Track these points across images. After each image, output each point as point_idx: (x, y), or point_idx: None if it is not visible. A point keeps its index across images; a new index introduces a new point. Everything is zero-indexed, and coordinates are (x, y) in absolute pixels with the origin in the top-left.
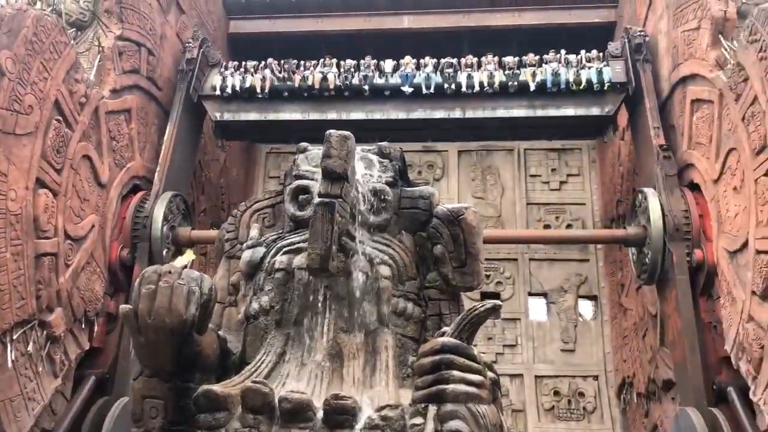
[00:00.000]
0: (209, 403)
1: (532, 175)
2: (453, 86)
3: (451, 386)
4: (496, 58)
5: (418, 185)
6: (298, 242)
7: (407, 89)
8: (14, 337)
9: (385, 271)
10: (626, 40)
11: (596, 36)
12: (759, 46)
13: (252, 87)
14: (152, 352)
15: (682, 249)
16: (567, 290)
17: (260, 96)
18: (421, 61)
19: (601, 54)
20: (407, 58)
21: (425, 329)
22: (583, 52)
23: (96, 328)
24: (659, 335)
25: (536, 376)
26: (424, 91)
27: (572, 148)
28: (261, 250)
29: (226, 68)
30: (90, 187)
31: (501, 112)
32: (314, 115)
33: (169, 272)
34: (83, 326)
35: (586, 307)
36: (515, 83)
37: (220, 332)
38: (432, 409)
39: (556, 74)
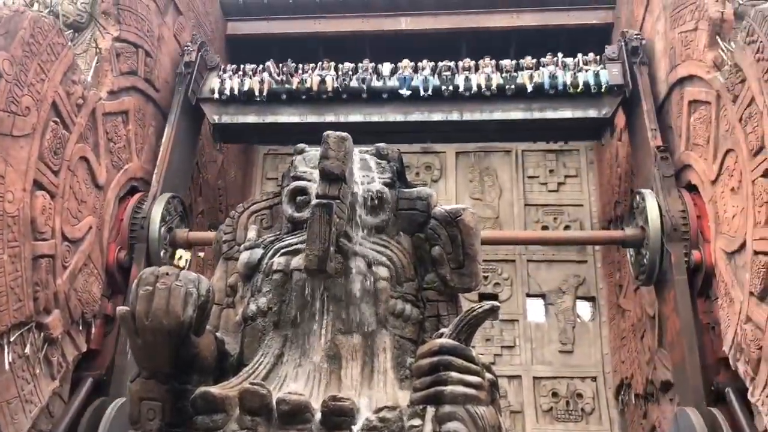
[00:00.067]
0: (207, 404)
1: (529, 177)
2: (450, 89)
3: (449, 388)
4: (494, 61)
5: (415, 186)
6: (296, 243)
7: (405, 92)
8: (11, 339)
9: (382, 272)
10: (623, 43)
11: (594, 37)
12: (756, 47)
13: (250, 90)
14: (149, 353)
15: (680, 249)
16: (565, 291)
17: (258, 99)
18: (419, 64)
19: (598, 57)
20: (405, 62)
21: (423, 330)
22: (580, 55)
23: (93, 330)
24: (657, 336)
25: (534, 378)
26: (422, 93)
27: (570, 150)
28: (259, 252)
29: (225, 71)
30: (87, 188)
31: (498, 115)
32: (312, 118)
33: (167, 274)
34: (81, 328)
35: (584, 309)
36: (512, 86)
37: (218, 334)
38: (430, 411)
39: (553, 77)
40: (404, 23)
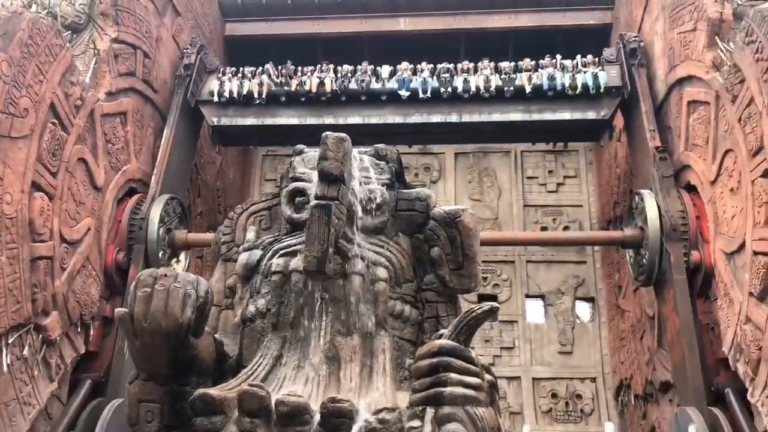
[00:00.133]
0: (206, 406)
1: (528, 177)
2: (449, 90)
3: (448, 389)
4: (492, 63)
5: (414, 187)
6: (295, 245)
7: (404, 93)
8: (10, 341)
9: (381, 273)
10: (621, 45)
11: (592, 38)
12: (755, 48)
13: (249, 92)
14: (148, 355)
15: (679, 249)
16: (564, 292)
17: (257, 101)
18: (418, 66)
19: (596, 59)
20: (404, 64)
21: (422, 332)
22: (579, 57)
23: (92, 332)
24: (657, 337)
25: (534, 379)
26: (421, 95)
27: (569, 151)
28: (257, 253)
29: (224, 74)
30: (86, 190)
31: (497, 117)
32: (311, 120)
33: (165, 275)
34: (79, 330)
35: (583, 309)
36: (511, 88)
37: (217, 335)
38: (429, 412)
39: (552, 78)
40: (403, 24)
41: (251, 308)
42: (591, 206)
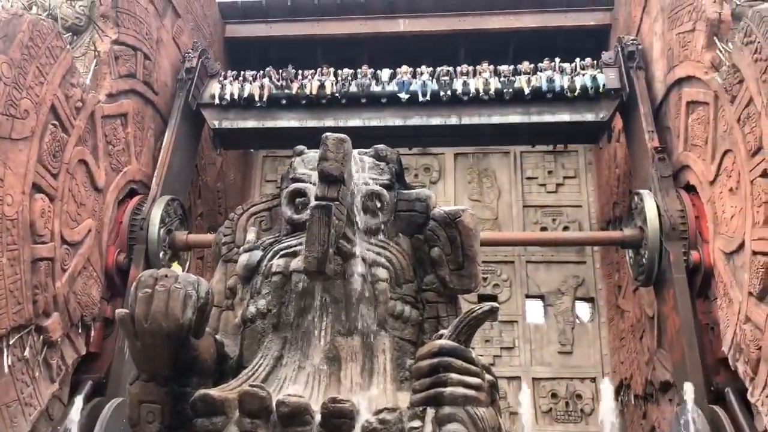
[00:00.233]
0: (206, 407)
1: (528, 178)
2: (449, 93)
3: (449, 389)
4: (492, 66)
5: (414, 188)
6: (295, 245)
7: (404, 96)
8: (11, 342)
9: (382, 273)
10: (619, 48)
11: (592, 38)
12: (754, 48)
13: (250, 95)
14: (149, 356)
15: (678, 249)
16: (564, 292)
17: (258, 104)
18: (418, 69)
19: (595, 62)
20: (404, 67)
21: (423, 332)
22: (577, 60)
23: (93, 333)
24: (656, 337)
25: (534, 379)
26: (421, 98)
27: (568, 151)
28: (258, 254)
29: (225, 77)
30: (86, 191)
31: (497, 119)
32: (312, 123)
33: (166, 276)
34: (80, 331)
35: (583, 309)
36: (510, 90)
37: (217, 336)
38: (430, 412)
39: (550, 81)
40: (402, 25)
41: (252, 309)
42: (590, 206)
